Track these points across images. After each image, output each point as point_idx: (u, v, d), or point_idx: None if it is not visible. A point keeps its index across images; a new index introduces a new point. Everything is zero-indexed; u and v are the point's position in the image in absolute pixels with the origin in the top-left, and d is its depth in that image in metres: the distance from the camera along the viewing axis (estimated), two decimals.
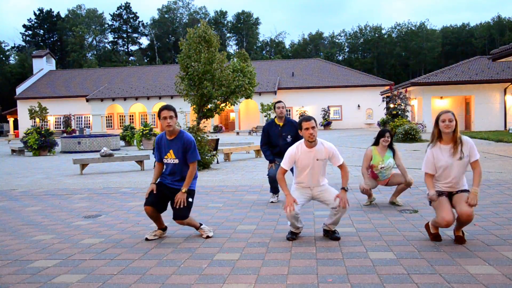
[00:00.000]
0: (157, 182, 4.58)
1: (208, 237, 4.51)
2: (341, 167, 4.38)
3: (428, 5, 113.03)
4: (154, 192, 4.45)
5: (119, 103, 42.05)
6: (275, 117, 6.41)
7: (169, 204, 4.56)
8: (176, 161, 4.45)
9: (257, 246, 4.16)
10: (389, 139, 5.89)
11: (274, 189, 6.45)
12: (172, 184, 4.52)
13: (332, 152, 4.31)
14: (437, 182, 4.11)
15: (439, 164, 4.03)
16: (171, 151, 4.45)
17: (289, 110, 41.09)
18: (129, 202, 6.75)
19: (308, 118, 4.22)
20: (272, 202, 6.37)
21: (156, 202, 4.44)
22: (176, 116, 4.42)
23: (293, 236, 4.40)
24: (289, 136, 6.18)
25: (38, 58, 50.01)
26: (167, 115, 4.35)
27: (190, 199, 4.44)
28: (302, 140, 4.36)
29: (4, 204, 6.94)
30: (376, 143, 5.95)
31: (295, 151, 4.32)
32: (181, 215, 4.39)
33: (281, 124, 6.30)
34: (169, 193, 4.51)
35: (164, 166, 4.61)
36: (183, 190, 4.39)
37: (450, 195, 4.07)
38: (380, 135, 5.90)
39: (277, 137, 6.26)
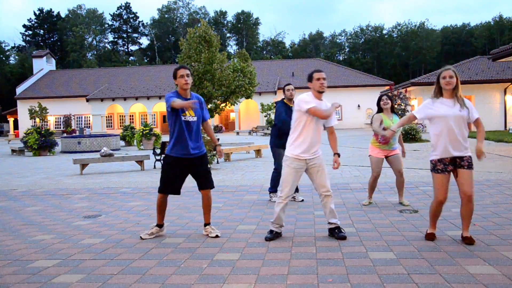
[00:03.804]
0: (171, 160, 4.35)
1: (208, 236, 4.51)
2: (332, 129, 4.43)
3: (417, 7, 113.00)
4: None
5: (119, 103, 42.05)
6: (283, 99, 6.37)
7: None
8: (195, 118, 4.34)
9: (257, 246, 4.16)
10: (388, 101, 5.97)
11: (274, 188, 6.45)
12: (194, 150, 4.34)
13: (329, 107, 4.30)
14: (439, 145, 3.96)
15: (439, 113, 3.93)
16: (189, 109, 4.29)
17: None
18: (129, 202, 6.75)
19: (320, 70, 4.29)
20: (270, 201, 6.37)
21: (177, 187, 4.45)
22: (192, 77, 4.48)
23: (273, 236, 4.33)
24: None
25: (38, 58, 50.00)
26: (184, 73, 4.26)
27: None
28: (310, 93, 4.31)
29: (4, 204, 6.94)
30: (379, 110, 6.03)
31: (308, 99, 4.21)
32: (210, 183, 4.48)
33: (291, 105, 6.20)
34: (188, 164, 4.36)
35: (178, 129, 4.29)
36: (218, 143, 4.64)
37: (455, 165, 3.96)
38: (379, 100, 6.03)
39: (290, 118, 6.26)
